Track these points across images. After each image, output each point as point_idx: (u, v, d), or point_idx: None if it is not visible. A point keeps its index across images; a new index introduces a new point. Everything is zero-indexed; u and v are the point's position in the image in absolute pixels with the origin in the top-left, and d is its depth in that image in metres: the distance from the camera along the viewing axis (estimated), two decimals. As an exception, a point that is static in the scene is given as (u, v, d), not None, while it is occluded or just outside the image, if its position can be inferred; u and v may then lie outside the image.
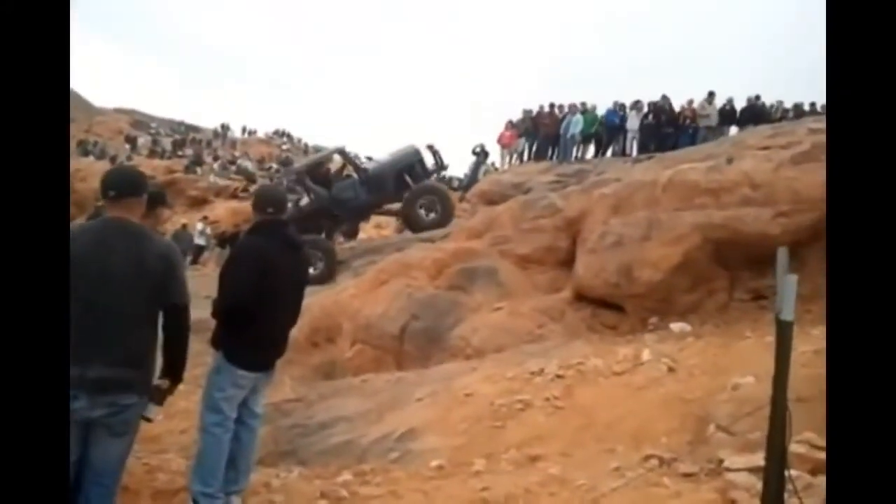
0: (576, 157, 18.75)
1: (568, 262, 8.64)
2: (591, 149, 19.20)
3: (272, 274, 3.94)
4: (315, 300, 9.05)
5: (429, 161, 15.96)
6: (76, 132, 47.63)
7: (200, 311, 4.37)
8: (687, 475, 3.85)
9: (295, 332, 4.70)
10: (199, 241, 21.61)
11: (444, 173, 18.50)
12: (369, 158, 16.74)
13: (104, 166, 36.10)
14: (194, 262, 20.47)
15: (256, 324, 3.95)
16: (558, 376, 5.58)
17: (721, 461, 3.86)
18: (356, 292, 9.37)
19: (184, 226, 21.53)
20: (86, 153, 39.94)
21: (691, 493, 3.56)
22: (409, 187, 14.67)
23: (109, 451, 3.18)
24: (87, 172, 30.81)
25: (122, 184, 3.27)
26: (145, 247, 3.18)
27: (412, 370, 7.41)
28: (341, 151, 15.88)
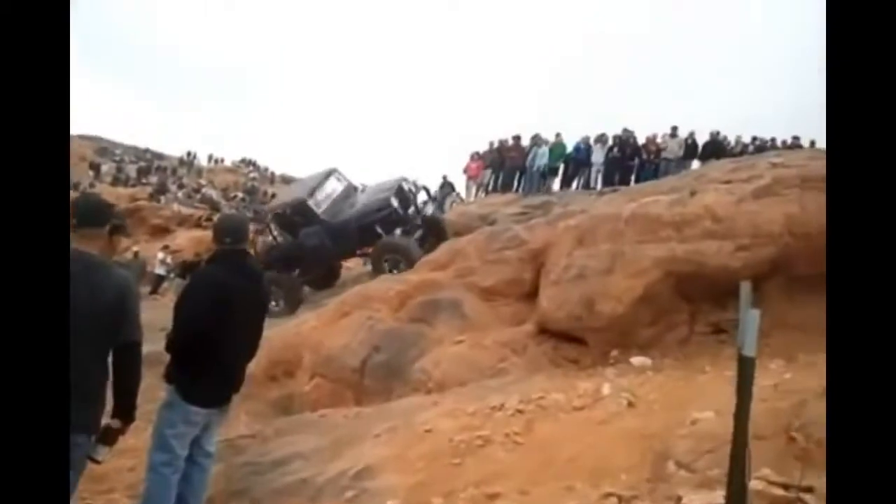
0: (540, 189, 18.86)
1: (532, 294, 8.61)
2: (557, 181, 19.39)
3: (229, 306, 3.83)
4: (275, 332, 8.87)
5: (422, 197, 15.75)
6: (37, 159, 47.10)
7: (155, 344, 4.23)
8: (646, 514, 3.78)
9: (253, 366, 4.58)
10: (159, 270, 21.23)
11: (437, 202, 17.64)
12: (363, 187, 16.36)
13: (65, 194, 35.48)
14: (153, 291, 20.11)
15: (211, 357, 3.83)
16: (519, 411, 5.49)
17: (680, 498, 3.79)
18: (317, 324, 9.23)
19: (135, 254, 21.16)
20: (47, 180, 39.21)
21: (650, 533, 3.48)
22: (379, 237, 14.32)
23: None
24: (46, 200, 30.17)
25: (85, 214, 3.18)
26: (101, 281, 3.08)
27: (372, 404, 7.27)
28: (300, 202, 15.15)
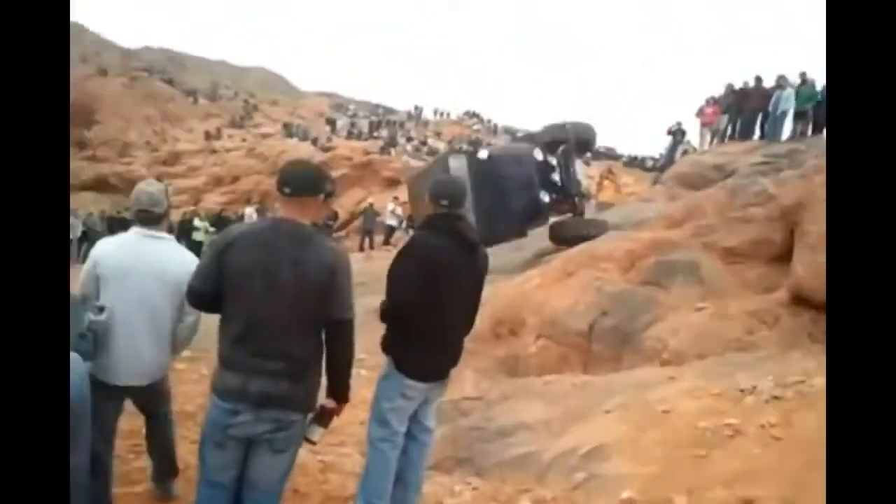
0: (789, 136, 16.95)
1: (782, 257, 7.61)
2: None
3: (443, 274, 3.56)
4: (498, 290, 8.70)
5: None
6: (282, 115, 51.29)
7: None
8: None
9: (478, 323, 4.34)
10: (391, 221, 22.13)
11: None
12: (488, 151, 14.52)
13: (307, 147, 38.39)
14: (386, 242, 21.10)
15: (425, 328, 3.59)
16: (775, 397, 4.77)
17: None
18: (541, 283, 8.90)
19: (370, 205, 22.16)
20: (290, 135, 42.62)
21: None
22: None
23: (271, 469, 2.99)
24: (290, 154, 32.67)
25: (300, 181, 3.00)
26: (311, 255, 2.91)
27: (600, 372, 6.85)
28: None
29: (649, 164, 39.26)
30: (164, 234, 3.77)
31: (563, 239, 12.16)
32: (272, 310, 2.85)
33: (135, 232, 3.66)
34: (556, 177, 12.97)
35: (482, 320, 6.56)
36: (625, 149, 50.19)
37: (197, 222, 21.68)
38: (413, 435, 3.78)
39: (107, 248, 3.65)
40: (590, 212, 19.20)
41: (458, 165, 13.42)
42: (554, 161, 13.17)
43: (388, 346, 3.73)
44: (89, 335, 3.27)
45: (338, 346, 3.01)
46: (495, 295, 8.47)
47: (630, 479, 4.21)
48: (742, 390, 5.01)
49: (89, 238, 21.00)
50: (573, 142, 13.46)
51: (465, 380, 7.19)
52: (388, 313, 3.68)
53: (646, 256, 8.45)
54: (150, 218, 3.65)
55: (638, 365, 6.72)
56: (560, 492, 4.17)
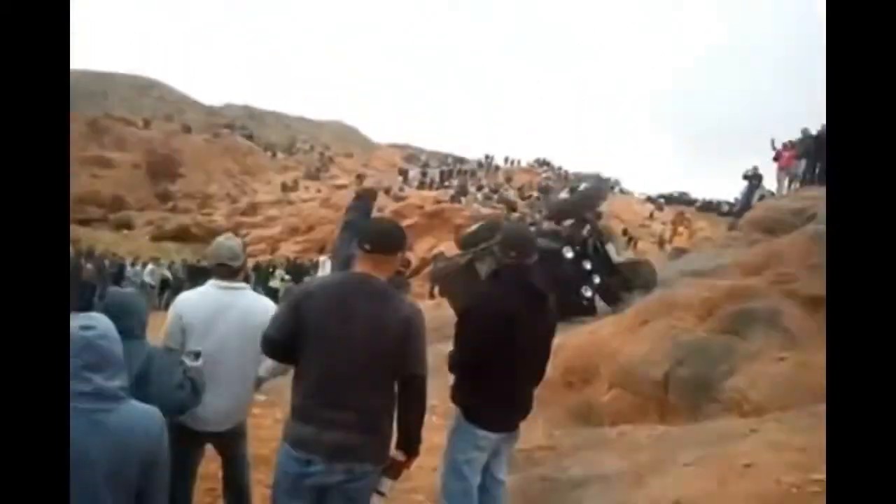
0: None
1: (869, 305, 7.29)
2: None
3: (512, 324, 3.56)
4: (569, 338, 8.59)
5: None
6: (356, 167, 52.74)
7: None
8: None
9: (549, 371, 4.31)
10: (461, 269, 22.28)
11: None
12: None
13: (379, 197, 39.19)
14: (456, 289, 21.18)
15: (494, 378, 3.59)
16: (864, 452, 4.53)
17: None
18: (615, 331, 8.74)
19: (441, 253, 22.44)
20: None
21: None
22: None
23: None
24: (364, 204, 33.31)
25: (381, 241, 3.10)
26: (387, 310, 2.98)
27: (677, 423, 6.64)
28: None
29: (724, 208, 38.50)
30: (243, 284, 3.92)
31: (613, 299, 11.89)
32: (347, 362, 2.91)
33: (213, 284, 3.81)
34: (596, 279, 12.39)
35: (553, 368, 6.47)
36: (699, 193, 49.44)
37: (272, 270, 22.32)
38: (485, 487, 3.76)
39: (191, 299, 3.80)
40: (664, 258, 18.89)
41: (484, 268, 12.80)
42: (588, 265, 12.43)
43: (457, 396, 3.74)
44: (187, 383, 3.35)
45: (410, 401, 3.05)
46: (566, 343, 8.36)
47: (711, 535, 4.05)
48: (829, 444, 4.78)
49: (171, 286, 21.89)
50: (586, 215, 12.81)
51: (536, 429, 7.08)
52: (456, 364, 3.70)
53: (723, 304, 8.21)
54: (229, 271, 3.81)
55: (717, 416, 6.50)
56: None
